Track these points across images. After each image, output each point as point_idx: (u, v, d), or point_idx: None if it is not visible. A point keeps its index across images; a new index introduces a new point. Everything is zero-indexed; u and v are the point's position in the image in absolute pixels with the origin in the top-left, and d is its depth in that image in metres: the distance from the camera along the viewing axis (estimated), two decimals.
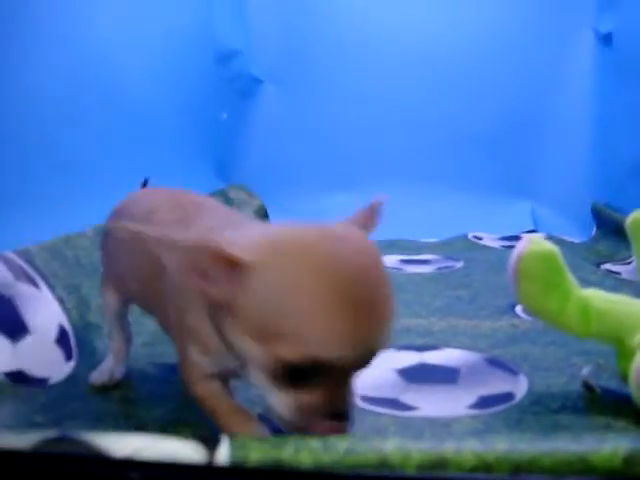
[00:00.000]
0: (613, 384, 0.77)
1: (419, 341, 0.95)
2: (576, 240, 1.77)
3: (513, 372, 0.83)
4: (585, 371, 0.79)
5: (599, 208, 1.77)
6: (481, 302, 1.16)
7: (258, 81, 2.04)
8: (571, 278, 0.76)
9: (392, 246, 1.72)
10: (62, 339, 0.86)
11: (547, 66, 2.00)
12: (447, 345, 0.93)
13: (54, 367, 0.82)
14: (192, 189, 1.59)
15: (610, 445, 0.46)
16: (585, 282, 1.27)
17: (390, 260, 1.56)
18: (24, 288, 0.85)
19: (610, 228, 1.62)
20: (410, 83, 2.03)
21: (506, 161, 1.99)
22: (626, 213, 0.81)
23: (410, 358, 0.87)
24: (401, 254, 1.63)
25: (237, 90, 2.01)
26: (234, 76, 1.98)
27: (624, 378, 0.72)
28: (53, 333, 0.85)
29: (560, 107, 1.99)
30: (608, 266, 1.46)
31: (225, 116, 1.98)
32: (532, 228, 1.90)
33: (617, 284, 1.28)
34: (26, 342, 0.80)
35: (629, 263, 1.38)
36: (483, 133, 2.01)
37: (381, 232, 1.87)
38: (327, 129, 2.04)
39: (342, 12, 2.02)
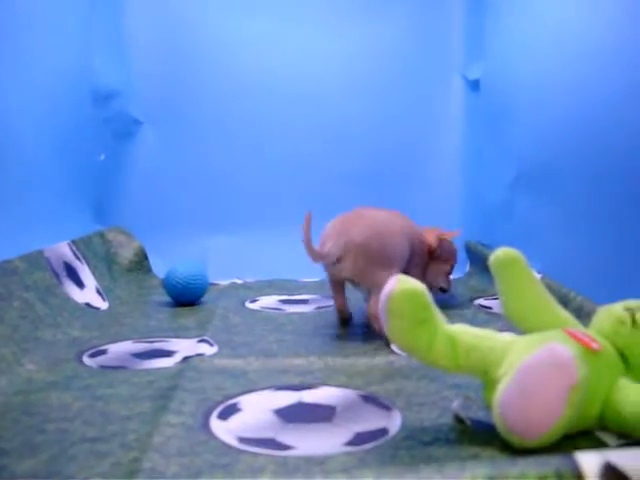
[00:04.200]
0: (482, 415, 0.80)
1: (297, 380, 0.96)
2: (452, 276, 1.84)
3: (387, 408, 0.85)
4: (456, 404, 0.82)
5: (472, 245, 1.84)
6: (358, 340, 1.19)
7: (137, 122, 2.02)
8: (439, 315, 0.79)
9: (271, 286, 1.73)
10: None
11: (420, 108, 2.08)
12: (325, 384, 0.95)
13: None
14: (69, 231, 1.56)
15: (469, 472, 0.48)
16: (460, 316, 1.34)
17: (269, 300, 1.57)
18: None
19: (482, 264, 1.69)
20: (288, 124, 2.06)
21: (380, 201, 2.04)
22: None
23: (287, 398, 0.88)
24: (280, 294, 1.65)
25: (116, 131, 1.99)
26: (113, 117, 1.96)
27: (490, 409, 0.75)
28: None
29: (432, 149, 2.07)
30: (481, 301, 1.53)
31: (103, 157, 1.95)
32: None
33: (489, 318, 1.34)
34: None
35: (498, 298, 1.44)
36: (357, 174, 2.06)
37: (260, 272, 1.88)
38: (206, 171, 2.05)
39: (223, 55, 2.04)
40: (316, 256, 1.16)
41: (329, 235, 1.23)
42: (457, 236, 1.49)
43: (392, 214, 1.33)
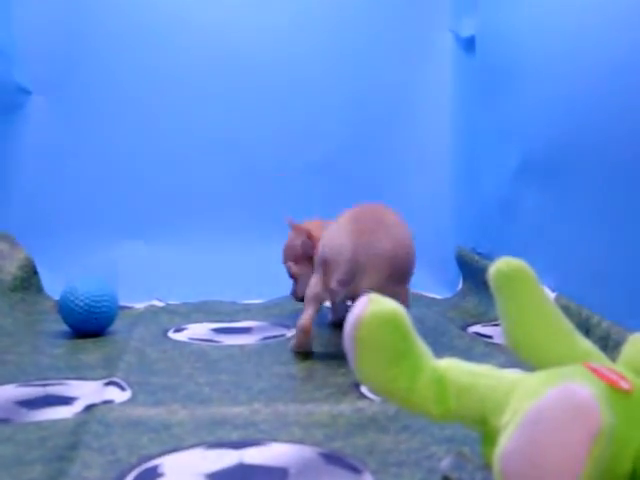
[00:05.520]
0: (480, 477, 0.81)
1: (236, 435, 0.96)
2: (438, 296, 1.85)
3: (356, 470, 0.85)
4: (445, 463, 0.83)
5: (465, 255, 1.85)
6: (318, 381, 1.19)
7: (24, 91, 2.01)
8: (423, 346, 0.79)
9: (201, 310, 1.73)
10: None
11: (399, 76, 2.09)
12: (273, 439, 0.94)
13: None
14: None
15: None
16: (449, 349, 1.35)
17: (199, 329, 1.57)
18: None
19: (478, 280, 1.70)
20: (230, 96, 2.06)
21: (349, 196, 2.05)
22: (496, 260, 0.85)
23: (224, 458, 0.88)
24: (214, 321, 1.65)
25: None
26: None
27: (491, 468, 0.76)
28: None
29: (415, 128, 2.09)
30: (477, 328, 1.54)
31: None
32: None
33: (488, 350, 1.34)
34: None
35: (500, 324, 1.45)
36: (318, 163, 2.07)
37: (188, 291, 1.87)
38: (116, 157, 2.04)
39: (136, 5, 2.03)
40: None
41: (343, 243, 1.32)
42: None
43: (397, 215, 1.43)
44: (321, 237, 1.46)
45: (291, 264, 1.61)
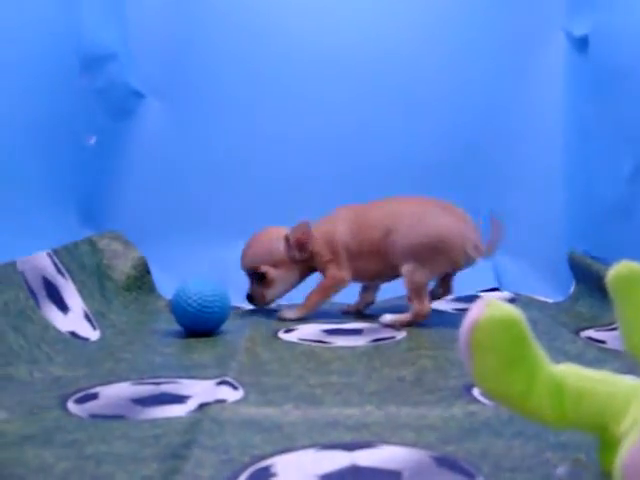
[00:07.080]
0: None
1: (349, 437, 0.95)
2: (550, 300, 1.82)
3: (469, 475, 0.84)
4: (561, 470, 0.81)
5: (578, 258, 1.82)
6: (429, 384, 1.18)
7: (138, 95, 2.04)
8: (540, 351, 0.77)
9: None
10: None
11: (509, 76, 2.07)
12: (385, 441, 0.94)
13: None
14: (48, 237, 1.58)
15: None
16: (562, 354, 1.32)
17: (310, 330, 1.57)
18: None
19: (592, 284, 1.67)
20: (337, 98, 2.06)
21: (461, 200, 2.03)
22: (611, 264, 0.83)
23: (337, 459, 0.88)
24: (323, 322, 1.65)
25: (110, 106, 2.00)
26: (106, 88, 1.97)
27: (609, 475, 0.74)
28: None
29: (525, 128, 2.06)
30: (590, 332, 1.51)
31: (93, 141, 1.96)
32: (494, 285, 1.94)
33: (601, 356, 1.32)
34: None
35: (615, 328, 1.42)
36: (432, 165, 2.05)
37: (297, 292, 1.88)
38: (228, 158, 2.05)
39: (245, 9, 2.05)
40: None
41: (471, 227, 1.58)
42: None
43: None
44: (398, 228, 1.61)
45: (269, 268, 1.68)
